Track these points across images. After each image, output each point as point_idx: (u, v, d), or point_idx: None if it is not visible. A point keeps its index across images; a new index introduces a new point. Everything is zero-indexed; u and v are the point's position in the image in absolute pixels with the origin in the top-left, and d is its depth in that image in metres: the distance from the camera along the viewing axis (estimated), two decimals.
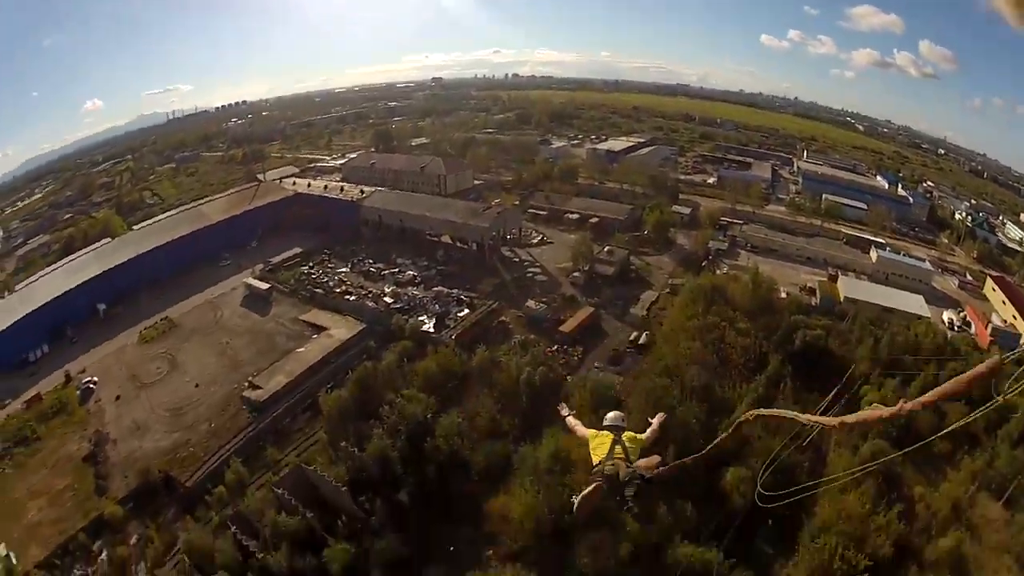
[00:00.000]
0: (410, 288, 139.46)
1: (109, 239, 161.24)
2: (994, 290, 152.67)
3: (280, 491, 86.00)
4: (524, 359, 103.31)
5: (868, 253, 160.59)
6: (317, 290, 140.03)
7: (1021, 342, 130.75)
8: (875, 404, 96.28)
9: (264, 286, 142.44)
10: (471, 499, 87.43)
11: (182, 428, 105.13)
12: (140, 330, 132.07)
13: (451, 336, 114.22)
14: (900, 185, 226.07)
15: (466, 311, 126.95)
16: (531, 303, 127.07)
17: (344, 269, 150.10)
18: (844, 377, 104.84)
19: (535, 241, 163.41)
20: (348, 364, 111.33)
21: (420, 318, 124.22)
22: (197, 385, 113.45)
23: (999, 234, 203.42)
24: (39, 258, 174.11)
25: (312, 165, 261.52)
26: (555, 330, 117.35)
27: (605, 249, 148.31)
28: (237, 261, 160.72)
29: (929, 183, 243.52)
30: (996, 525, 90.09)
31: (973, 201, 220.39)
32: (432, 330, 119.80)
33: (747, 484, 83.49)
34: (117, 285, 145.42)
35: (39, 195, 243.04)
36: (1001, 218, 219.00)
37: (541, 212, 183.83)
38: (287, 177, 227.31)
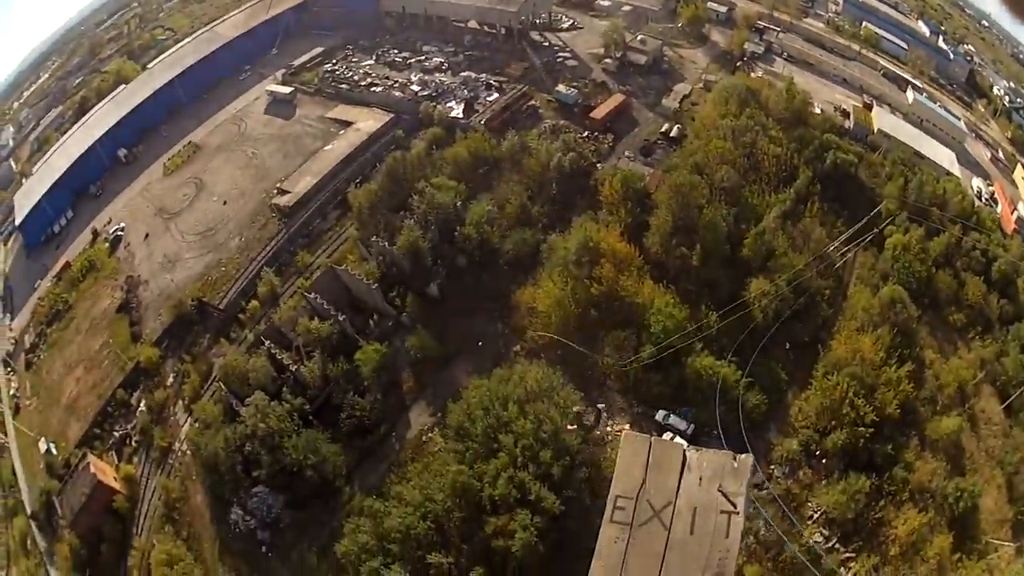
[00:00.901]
0: (437, 75, 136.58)
1: (124, 85, 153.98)
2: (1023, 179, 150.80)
3: (312, 296, 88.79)
4: (554, 145, 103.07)
5: (904, 92, 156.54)
6: (342, 86, 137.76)
7: None
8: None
9: (287, 90, 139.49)
10: (500, 292, 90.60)
11: (213, 249, 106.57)
12: (164, 162, 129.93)
13: (481, 121, 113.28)
14: (942, 37, 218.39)
15: (495, 96, 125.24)
16: (561, 87, 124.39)
17: (369, 62, 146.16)
18: (872, 211, 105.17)
19: (565, 26, 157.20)
20: (377, 156, 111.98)
21: (448, 104, 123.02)
22: (225, 202, 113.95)
23: None
24: (53, 132, 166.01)
25: None
26: (586, 116, 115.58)
27: (638, 37, 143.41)
28: (258, 71, 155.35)
29: (971, 47, 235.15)
30: (995, 429, 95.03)
31: (1013, 84, 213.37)
32: (461, 116, 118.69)
33: (770, 298, 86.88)
34: (137, 126, 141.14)
35: (46, 76, 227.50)
36: None
37: None
38: None
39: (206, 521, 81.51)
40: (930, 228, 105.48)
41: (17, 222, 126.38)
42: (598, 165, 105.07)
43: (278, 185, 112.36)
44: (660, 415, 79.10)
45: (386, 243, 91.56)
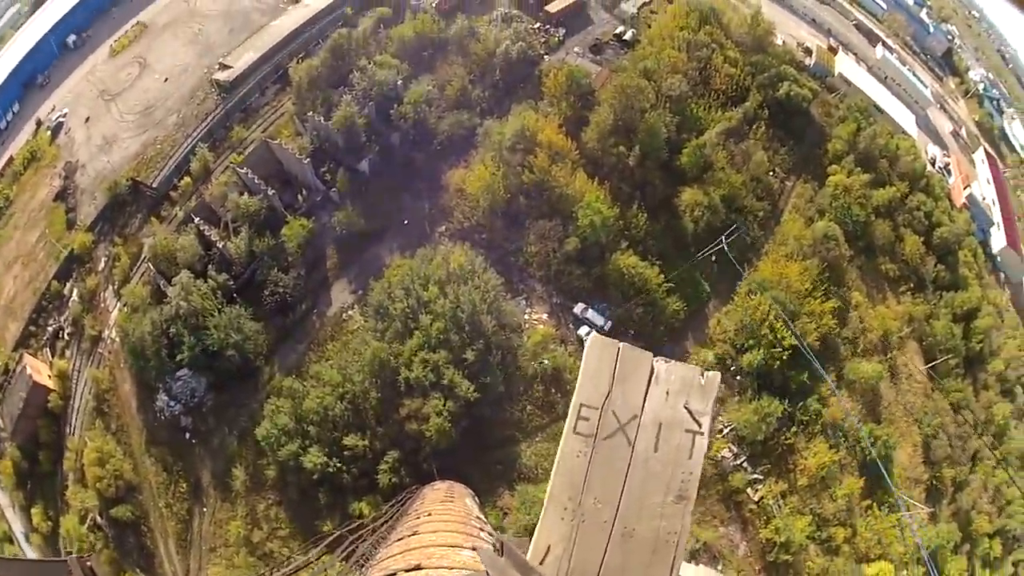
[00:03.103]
0: None
1: None
2: (983, 162, 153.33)
3: (243, 170, 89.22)
4: (504, 32, 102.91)
5: (874, 48, 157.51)
6: None
7: (991, 230, 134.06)
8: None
9: None
10: (431, 172, 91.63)
11: (151, 127, 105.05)
12: (111, 44, 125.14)
13: (432, 3, 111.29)
14: (925, 10, 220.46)
15: None
16: None
17: None
18: (819, 146, 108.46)
19: None
20: (323, 33, 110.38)
21: None
22: (167, 80, 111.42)
23: (1005, 122, 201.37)
24: (9, 30, 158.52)
25: None
26: (540, 8, 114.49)
27: None
28: None
29: (954, 28, 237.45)
30: (916, 387, 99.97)
31: (991, 76, 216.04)
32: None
33: (701, 210, 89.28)
34: (89, 9, 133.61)
35: None
36: (1012, 111, 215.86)
37: None
38: None
39: (133, 411, 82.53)
40: (876, 179, 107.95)
41: None
42: (545, 57, 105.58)
43: (220, 60, 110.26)
44: (578, 308, 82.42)
45: (322, 118, 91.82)
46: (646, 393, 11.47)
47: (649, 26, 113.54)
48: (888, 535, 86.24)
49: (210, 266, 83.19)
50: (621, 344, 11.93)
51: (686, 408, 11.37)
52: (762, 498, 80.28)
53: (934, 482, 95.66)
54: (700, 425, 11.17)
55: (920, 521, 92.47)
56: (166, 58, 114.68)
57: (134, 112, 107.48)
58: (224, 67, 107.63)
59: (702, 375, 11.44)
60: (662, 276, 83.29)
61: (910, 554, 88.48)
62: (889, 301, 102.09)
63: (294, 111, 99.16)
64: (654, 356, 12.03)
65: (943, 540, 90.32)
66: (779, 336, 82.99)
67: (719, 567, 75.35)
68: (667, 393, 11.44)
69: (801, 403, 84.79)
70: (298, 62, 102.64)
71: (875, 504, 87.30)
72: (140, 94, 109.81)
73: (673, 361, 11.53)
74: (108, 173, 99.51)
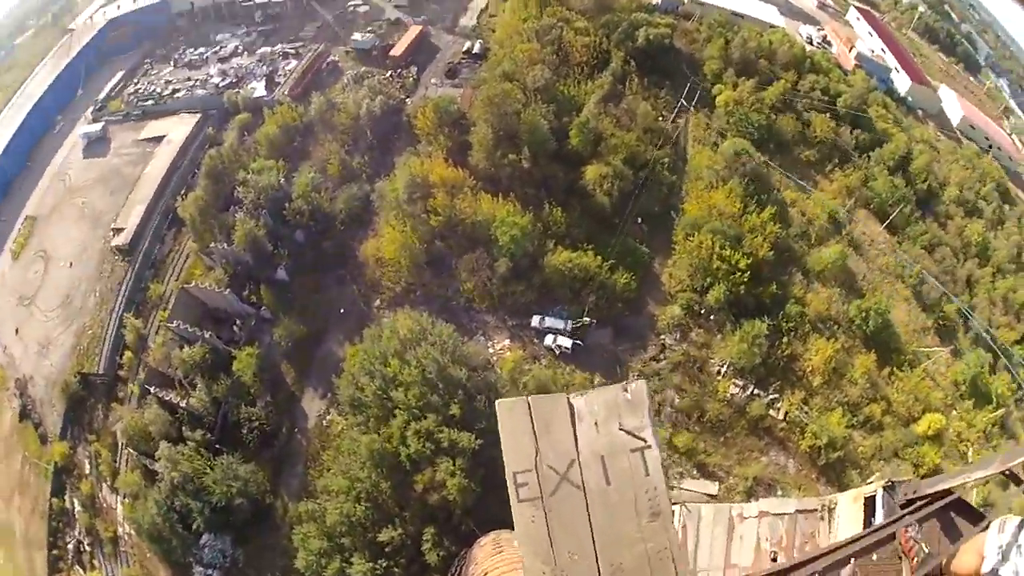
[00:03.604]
0: (235, 60, 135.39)
1: None
2: (858, 19, 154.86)
3: (174, 324, 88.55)
4: (360, 93, 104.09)
5: None
6: (147, 103, 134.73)
7: (891, 77, 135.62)
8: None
9: (98, 127, 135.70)
10: (345, 254, 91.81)
11: (75, 316, 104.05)
12: (10, 247, 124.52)
13: (284, 93, 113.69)
14: None
15: (293, 63, 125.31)
16: (357, 35, 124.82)
17: (168, 69, 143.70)
18: (694, 75, 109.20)
19: None
20: (195, 161, 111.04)
21: (251, 85, 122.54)
22: (72, 264, 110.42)
23: None
24: None
25: None
26: (385, 56, 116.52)
27: None
28: (69, 118, 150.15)
29: None
30: (882, 248, 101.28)
31: None
32: (265, 93, 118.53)
33: (609, 181, 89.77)
34: None
35: None
36: None
37: None
38: (97, 10, 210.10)
39: None
40: (762, 80, 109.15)
41: None
42: (407, 100, 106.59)
43: (112, 226, 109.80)
44: (535, 321, 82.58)
45: (224, 244, 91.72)
46: (574, 433, 11.17)
47: (493, 31, 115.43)
48: (921, 389, 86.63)
49: (183, 428, 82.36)
50: (529, 398, 11.64)
51: (622, 430, 11.06)
52: (787, 413, 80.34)
53: (941, 323, 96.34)
54: (644, 440, 10.87)
55: (946, 361, 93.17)
56: (64, 243, 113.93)
57: (55, 307, 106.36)
58: (117, 231, 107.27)
59: (625, 390, 11.18)
60: (599, 258, 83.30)
61: (951, 395, 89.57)
62: (822, 184, 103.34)
63: (197, 248, 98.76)
64: (569, 394, 11.84)
65: (975, 367, 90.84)
66: (733, 262, 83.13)
67: (778, 493, 75.04)
68: (595, 424, 11.15)
69: (781, 312, 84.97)
70: (183, 199, 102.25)
71: (894, 368, 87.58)
72: (53, 288, 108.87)
73: (590, 390, 11.28)
74: (56, 376, 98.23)
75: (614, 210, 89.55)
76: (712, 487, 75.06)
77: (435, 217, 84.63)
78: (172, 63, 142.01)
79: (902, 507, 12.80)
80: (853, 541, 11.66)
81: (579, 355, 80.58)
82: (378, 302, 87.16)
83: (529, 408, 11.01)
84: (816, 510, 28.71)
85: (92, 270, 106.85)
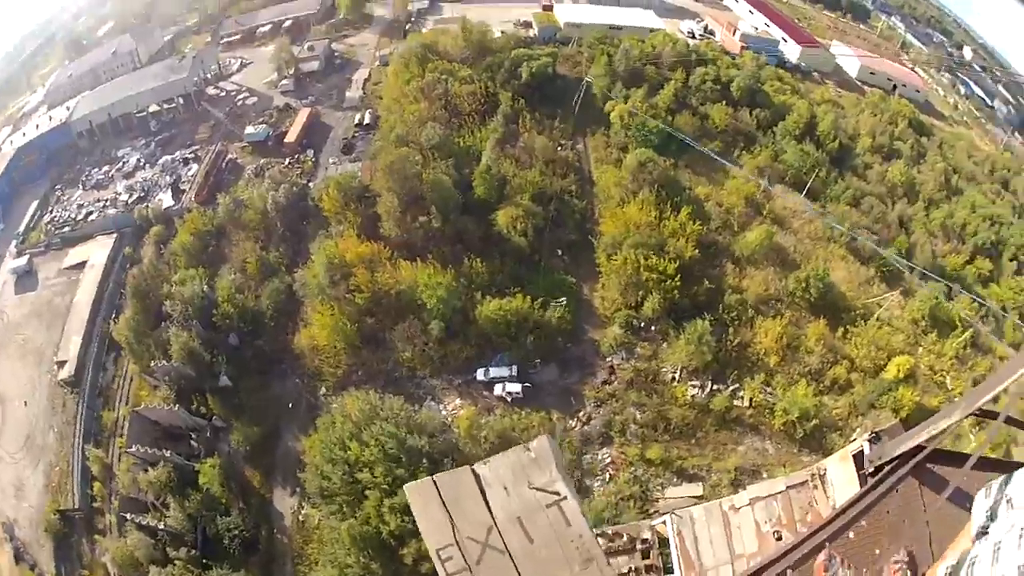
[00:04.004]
0: (139, 174, 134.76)
1: None
2: (737, 1, 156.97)
3: (132, 449, 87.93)
4: (263, 186, 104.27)
5: None
6: (64, 230, 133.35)
7: (780, 48, 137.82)
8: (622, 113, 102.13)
9: (23, 261, 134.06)
10: (281, 348, 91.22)
11: (40, 454, 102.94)
12: None
13: (191, 199, 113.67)
14: None
15: (195, 168, 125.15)
16: (250, 128, 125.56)
17: (79, 193, 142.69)
18: (579, 94, 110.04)
19: (236, 68, 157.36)
20: (119, 282, 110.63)
21: (158, 198, 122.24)
22: (26, 403, 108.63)
23: None
24: None
25: (21, 116, 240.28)
26: (281, 144, 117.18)
27: (306, 47, 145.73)
28: None
29: None
30: (806, 216, 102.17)
31: None
32: (173, 203, 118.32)
33: (522, 221, 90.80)
34: None
35: None
36: None
37: (235, 37, 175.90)
38: (5, 140, 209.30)
39: None
40: (652, 85, 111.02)
41: None
42: (310, 184, 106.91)
43: (54, 359, 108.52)
44: (480, 374, 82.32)
45: (164, 361, 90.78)
46: (486, 502, 11.08)
47: (380, 98, 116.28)
48: (881, 337, 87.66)
49: (167, 548, 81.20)
50: (434, 477, 11.48)
51: (533, 488, 10.94)
52: (751, 399, 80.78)
53: (884, 270, 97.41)
54: (557, 493, 10.79)
55: (899, 305, 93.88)
56: (13, 382, 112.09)
57: (19, 448, 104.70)
58: (60, 364, 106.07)
59: (528, 449, 11.08)
60: (528, 299, 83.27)
61: (913, 334, 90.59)
62: (733, 171, 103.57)
63: (139, 369, 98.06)
64: (472, 465, 11.73)
65: (929, 300, 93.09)
66: (660, 270, 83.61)
67: (764, 476, 74.83)
68: (505, 488, 11.17)
69: (720, 305, 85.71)
70: (115, 323, 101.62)
71: (847, 327, 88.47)
72: (14, 429, 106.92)
73: (493, 458, 11.17)
74: (36, 516, 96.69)
75: (532, 249, 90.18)
76: (697, 489, 74.91)
77: (359, 295, 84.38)
78: (81, 186, 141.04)
79: (871, 475, 12.69)
80: (828, 522, 11.55)
81: (531, 397, 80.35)
82: (323, 389, 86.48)
83: (436, 486, 11.03)
84: (806, 481, 28.71)
85: (45, 406, 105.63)
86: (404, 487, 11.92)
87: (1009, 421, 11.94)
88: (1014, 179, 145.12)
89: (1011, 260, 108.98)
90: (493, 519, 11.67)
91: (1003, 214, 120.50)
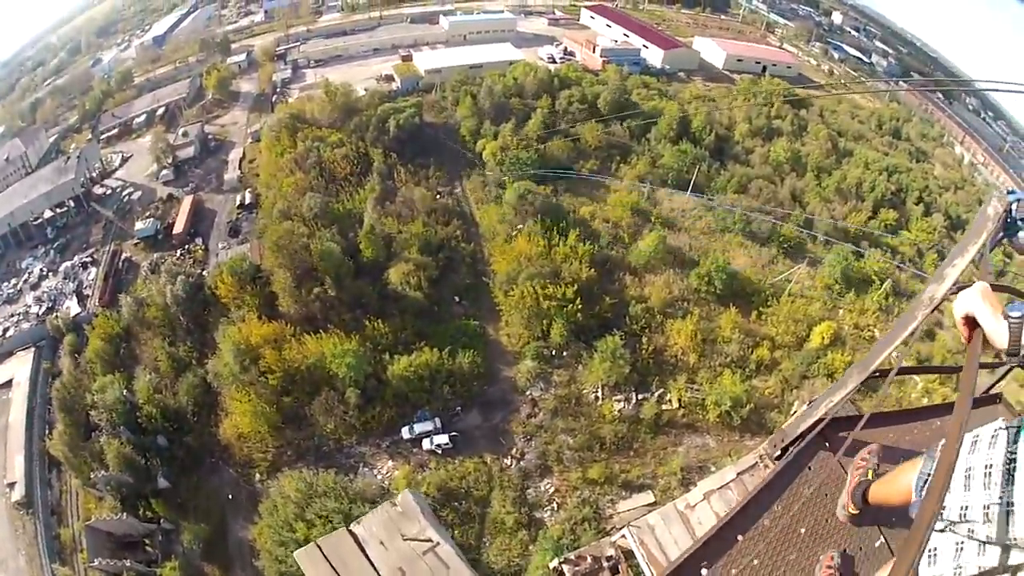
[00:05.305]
0: (44, 284, 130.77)
1: None
2: (593, 18, 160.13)
3: (95, 563, 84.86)
4: (161, 281, 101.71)
5: (438, 23, 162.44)
6: None
7: (642, 55, 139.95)
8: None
9: None
10: (208, 442, 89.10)
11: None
12: None
13: (96, 304, 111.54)
14: None
15: (93, 271, 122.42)
16: (140, 224, 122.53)
17: None
18: (453, 144, 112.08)
19: (118, 163, 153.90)
20: (45, 397, 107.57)
21: (65, 306, 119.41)
22: None
23: None
24: None
25: None
26: (170, 236, 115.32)
27: (180, 132, 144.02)
28: None
29: None
30: (695, 213, 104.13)
31: None
32: (79, 309, 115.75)
33: (414, 276, 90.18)
34: None
35: None
36: None
37: (113, 132, 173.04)
38: None
39: None
40: (519, 118, 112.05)
41: None
42: (204, 273, 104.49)
43: (5, 483, 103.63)
44: (405, 432, 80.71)
45: (102, 472, 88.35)
46: (367, 557, 11.22)
47: (257, 175, 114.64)
48: (797, 310, 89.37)
49: None
50: (318, 541, 11.59)
51: (407, 540, 11.24)
52: (679, 399, 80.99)
53: (787, 247, 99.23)
54: (429, 540, 10.96)
55: (809, 275, 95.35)
56: None
57: None
58: (11, 486, 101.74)
59: (394, 505, 11.26)
60: (435, 350, 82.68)
61: (830, 299, 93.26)
62: (614, 186, 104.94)
63: (80, 483, 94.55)
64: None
65: (838, 262, 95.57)
66: (560, 295, 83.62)
67: (712, 470, 74.78)
68: (381, 543, 11.52)
69: (624, 315, 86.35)
70: (49, 439, 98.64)
71: (759, 308, 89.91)
72: None
73: (365, 516, 11.26)
74: None
75: (430, 300, 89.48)
76: (647, 497, 74.36)
77: (272, 376, 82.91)
78: None
79: (777, 458, 12.59)
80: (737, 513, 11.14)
81: (461, 445, 79.29)
82: (258, 476, 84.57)
83: (321, 550, 11.39)
84: (756, 463, 28.29)
85: (8, 531, 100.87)
86: (294, 554, 12.13)
87: (903, 371, 11.85)
88: (905, 126, 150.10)
89: (916, 204, 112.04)
90: (377, 573, 11.94)
91: (899, 163, 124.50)
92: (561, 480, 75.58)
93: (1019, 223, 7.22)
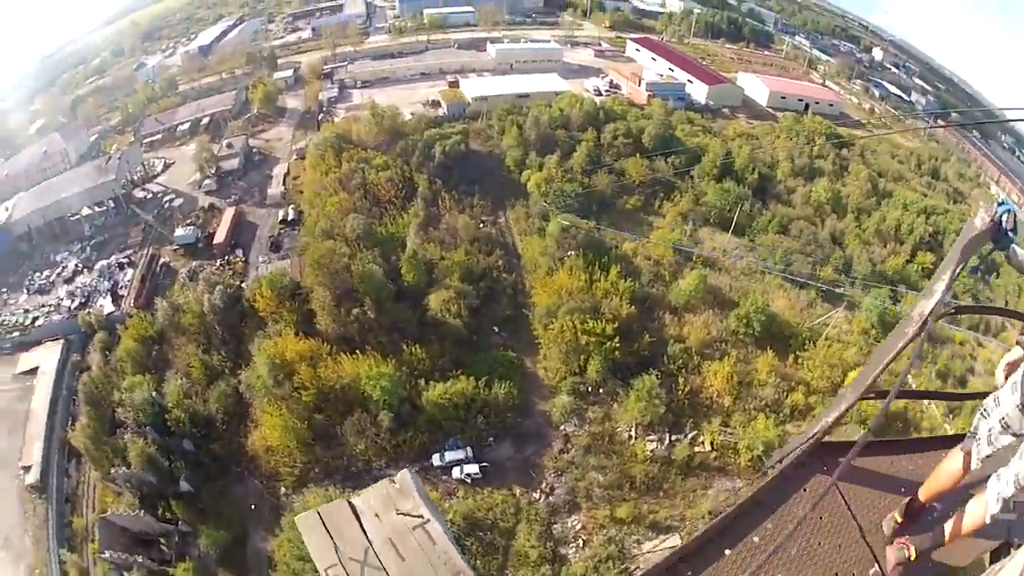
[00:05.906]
0: (79, 279, 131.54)
1: None
2: (638, 50, 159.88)
3: (106, 555, 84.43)
4: (199, 289, 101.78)
5: (485, 50, 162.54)
6: (13, 335, 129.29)
7: (687, 89, 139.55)
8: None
9: None
10: (235, 451, 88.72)
11: (18, 557, 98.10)
12: None
13: (130, 304, 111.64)
14: None
15: (130, 272, 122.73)
16: (180, 231, 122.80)
17: (24, 297, 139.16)
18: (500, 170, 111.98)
19: (160, 169, 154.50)
20: (71, 389, 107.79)
21: (99, 304, 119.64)
22: None
23: (622, 3, 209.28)
24: None
25: None
26: (211, 245, 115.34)
27: (224, 144, 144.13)
28: None
29: None
30: (736, 253, 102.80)
31: None
32: (113, 308, 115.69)
33: (454, 303, 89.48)
34: None
35: None
36: None
37: (156, 137, 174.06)
38: None
39: None
40: (564, 150, 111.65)
41: None
42: (243, 285, 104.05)
43: (20, 464, 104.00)
44: (436, 459, 79.93)
45: (123, 468, 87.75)
46: (362, 527, 10.60)
47: (301, 192, 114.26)
48: (833, 355, 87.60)
49: None
50: (319, 509, 10.75)
51: (400, 514, 10.67)
52: (713, 443, 79.51)
53: (825, 289, 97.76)
54: (421, 516, 10.37)
55: (846, 320, 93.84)
56: None
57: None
58: (26, 469, 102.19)
59: (392, 482, 10.68)
60: (472, 379, 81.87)
61: (865, 344, 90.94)
62: (657, 223, 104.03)
63: (100, 476, 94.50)
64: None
65: (875, 307, 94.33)
66: (599, 331, 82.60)
67: None
68: (376, 516, 10.89)
69: (664, 355, 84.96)
70: (72, 429, 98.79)
71: (796, 352, 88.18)
72: None
73: (364, 490, 10.76)
74: None
75: (469, 329, 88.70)
76: (674, 539, 72.38)
77: (305, 393, 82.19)
78: (25, 291, 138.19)
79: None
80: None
81: (490, 476, 78.30)
82: (283, 489, 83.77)
83: (320, 515, 10.84)
84: None
85: (18, 511, 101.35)
86: (295, 518, 11.50)
87: (902, 395, 11.27)
88: (943, 166, 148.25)
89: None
90: (369, 541, 11.34)
91: (937, 204, 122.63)
92: (588, 517, 74.35)
93: (1009, 234, 7.36)
